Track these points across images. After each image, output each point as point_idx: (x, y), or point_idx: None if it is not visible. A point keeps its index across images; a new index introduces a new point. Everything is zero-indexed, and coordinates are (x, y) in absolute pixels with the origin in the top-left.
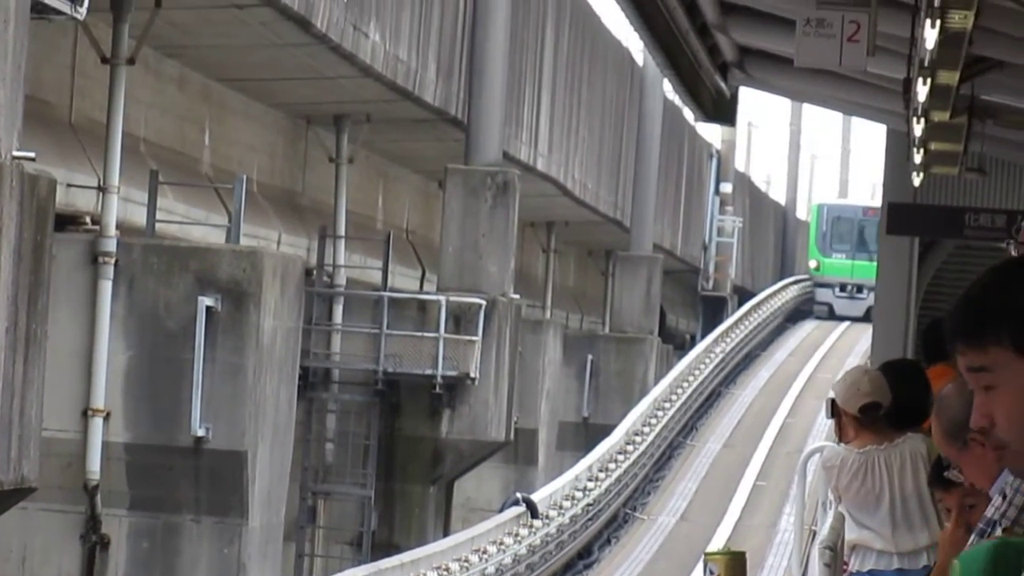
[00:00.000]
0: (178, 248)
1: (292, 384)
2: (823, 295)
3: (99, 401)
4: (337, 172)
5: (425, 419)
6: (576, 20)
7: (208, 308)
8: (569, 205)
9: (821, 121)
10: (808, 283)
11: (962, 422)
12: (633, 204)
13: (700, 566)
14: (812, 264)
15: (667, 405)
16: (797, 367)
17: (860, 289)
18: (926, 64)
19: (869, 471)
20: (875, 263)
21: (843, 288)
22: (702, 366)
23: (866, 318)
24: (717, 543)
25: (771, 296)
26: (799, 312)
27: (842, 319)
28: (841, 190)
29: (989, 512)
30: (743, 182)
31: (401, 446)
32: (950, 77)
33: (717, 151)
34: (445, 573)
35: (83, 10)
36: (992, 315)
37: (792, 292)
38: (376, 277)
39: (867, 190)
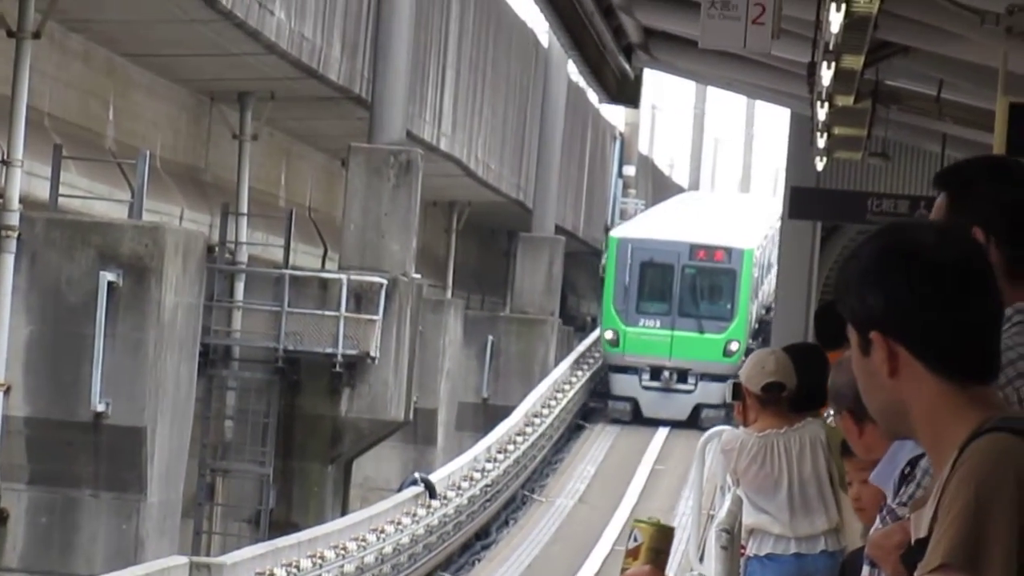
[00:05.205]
0: (80, 223)
1: (192, 361)
2: (623, 385)
3: None
4: (240, 149)
5: (325, 397)
6: (481, 0)
7: (110, 283)
8: (472, 185)
9: (725, 105)
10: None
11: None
12: (536, 185)
13: (606, 542)
14: (607, 336)
15: (567, 387)
16: None
17: (684, 376)
18: (831, 48)
19: (768, 455)
20: (710, 334)
21: (655, 375)
22: None
23: (692, 422)
24: (616, 526)
25: None
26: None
27: (654, 424)
28: (744, 174)
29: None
30: (646, 165)
31: (300, 424)
32: (855, 61)
33: (620, 133)
34: (343, 552)
35: None
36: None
37: None
38: (278, 255)
39: (770, 174)
